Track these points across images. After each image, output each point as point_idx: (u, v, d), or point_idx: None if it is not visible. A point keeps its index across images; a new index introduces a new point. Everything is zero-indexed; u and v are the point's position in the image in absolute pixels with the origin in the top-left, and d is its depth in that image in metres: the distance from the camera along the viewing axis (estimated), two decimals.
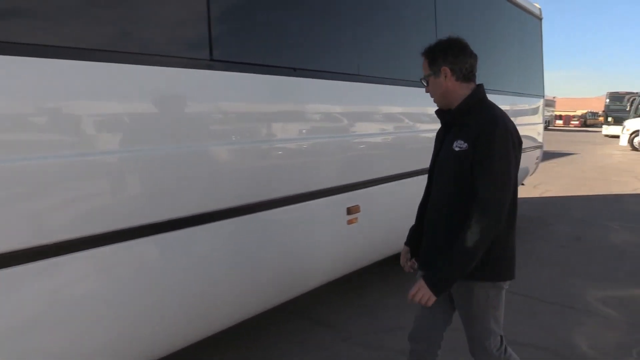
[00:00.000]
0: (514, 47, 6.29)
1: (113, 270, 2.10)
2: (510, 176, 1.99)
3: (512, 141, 2.00)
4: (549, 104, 28.03)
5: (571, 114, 52.51)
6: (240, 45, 2.61)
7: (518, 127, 2.12)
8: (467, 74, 2.10)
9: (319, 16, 3.13)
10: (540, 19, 7.17)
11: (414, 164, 3.99)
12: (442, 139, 2.21)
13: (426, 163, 4.22)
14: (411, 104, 4.04)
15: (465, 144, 2.00)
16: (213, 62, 2.43)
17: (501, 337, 2.22)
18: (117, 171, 2.09)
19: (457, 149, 2.03)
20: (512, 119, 2.27)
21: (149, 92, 2.20)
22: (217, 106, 2.51)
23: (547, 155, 14.55)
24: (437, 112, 2.24)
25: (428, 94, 2.20)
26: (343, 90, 3.32)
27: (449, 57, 2.08)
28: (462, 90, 2.10)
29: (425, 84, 2.19)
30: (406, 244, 2.49)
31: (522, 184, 7.02)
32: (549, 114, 39.13)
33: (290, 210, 2.92)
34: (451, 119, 2.14)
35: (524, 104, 6.55)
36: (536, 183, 10.50)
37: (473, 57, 2.12)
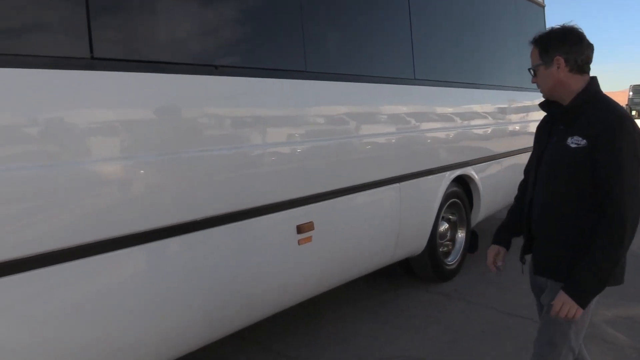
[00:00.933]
0: (514, 37, 5.73)
1: None
2: None
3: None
4: None
5: None
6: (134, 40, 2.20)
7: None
8: (582, 66, 1.96)
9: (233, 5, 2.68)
10: (543, 7, 6.62)
11: (380, 173, 3.50)
12: (549, 134, 2.06)
13: (394, 171, 3.79)
14: (371, 102, 3.51)
15: (584, 141, 1.87)
16: (95, 61, 2.01)
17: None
18: None
19: (573, 145, 1.90)
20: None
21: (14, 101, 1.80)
22: (106, 114, 2.08)
23: None
24: (542, 105, 2.11)
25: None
26: (290, 89, 2.88)
27: (564, 46, 1.95)
28: (575, 84, 1.96)
29: (532, 74, 2.06)
30: (495, 242, 2.33)
31: None
32: None
33: (224, 230, 2.50)
34: (562, 116, 2.00)
35: (526, 99, 5.98)
36: None
37: (590, 48, 1.98)
